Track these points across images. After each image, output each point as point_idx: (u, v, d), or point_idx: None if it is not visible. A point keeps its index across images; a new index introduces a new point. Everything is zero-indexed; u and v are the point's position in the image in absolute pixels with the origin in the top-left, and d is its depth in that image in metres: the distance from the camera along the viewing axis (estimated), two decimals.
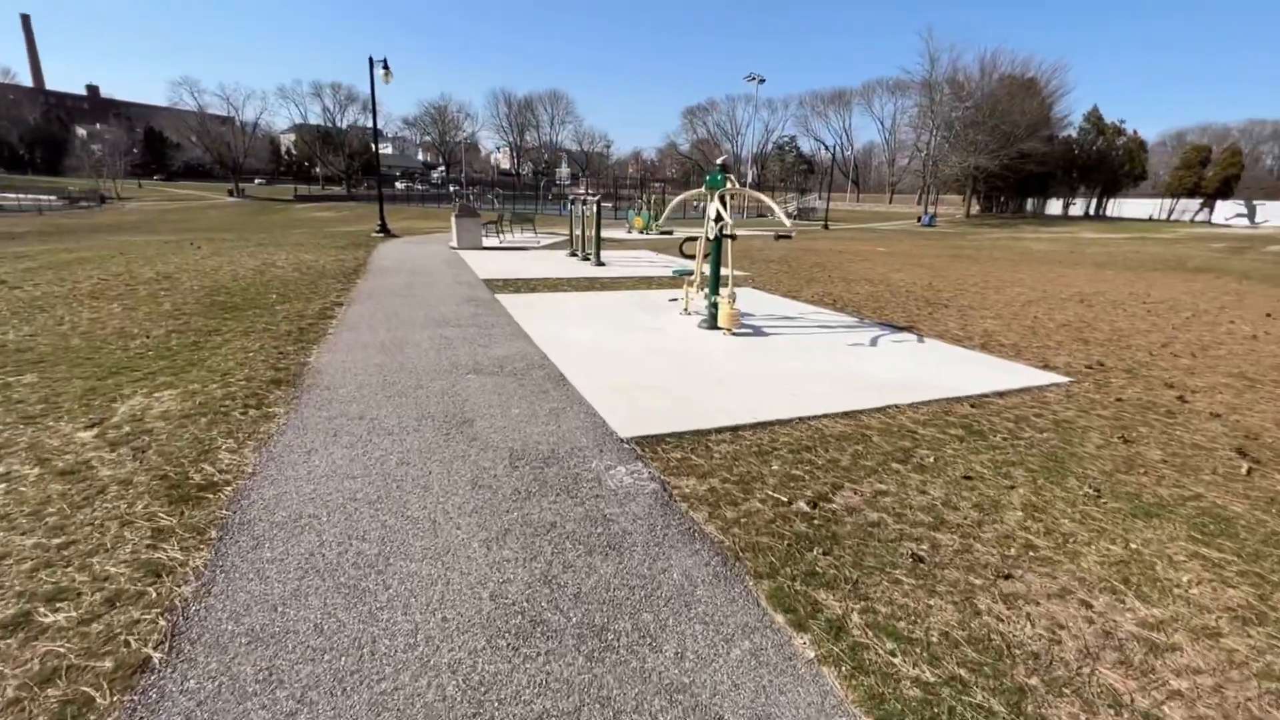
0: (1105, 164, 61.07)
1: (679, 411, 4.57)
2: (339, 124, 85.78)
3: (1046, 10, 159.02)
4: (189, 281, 9.68)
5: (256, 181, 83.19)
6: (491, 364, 5.64)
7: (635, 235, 23.79)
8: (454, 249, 15.99)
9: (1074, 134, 61.62)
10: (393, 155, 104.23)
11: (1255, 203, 58.95)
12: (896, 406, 4.85)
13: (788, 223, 6.87)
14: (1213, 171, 60.91)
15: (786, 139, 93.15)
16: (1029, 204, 65.55)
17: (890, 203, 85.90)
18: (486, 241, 17.33)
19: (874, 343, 7.00)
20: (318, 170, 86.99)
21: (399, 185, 77.29)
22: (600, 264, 13.39)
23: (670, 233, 9.77)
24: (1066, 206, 66.00)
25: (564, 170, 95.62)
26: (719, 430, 4.25)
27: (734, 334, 7.08)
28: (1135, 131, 62.33)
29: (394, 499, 3.17)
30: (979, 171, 53.33)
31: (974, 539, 3.00)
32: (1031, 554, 2.89)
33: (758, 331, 7.34)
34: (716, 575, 2.64)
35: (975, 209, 61.56)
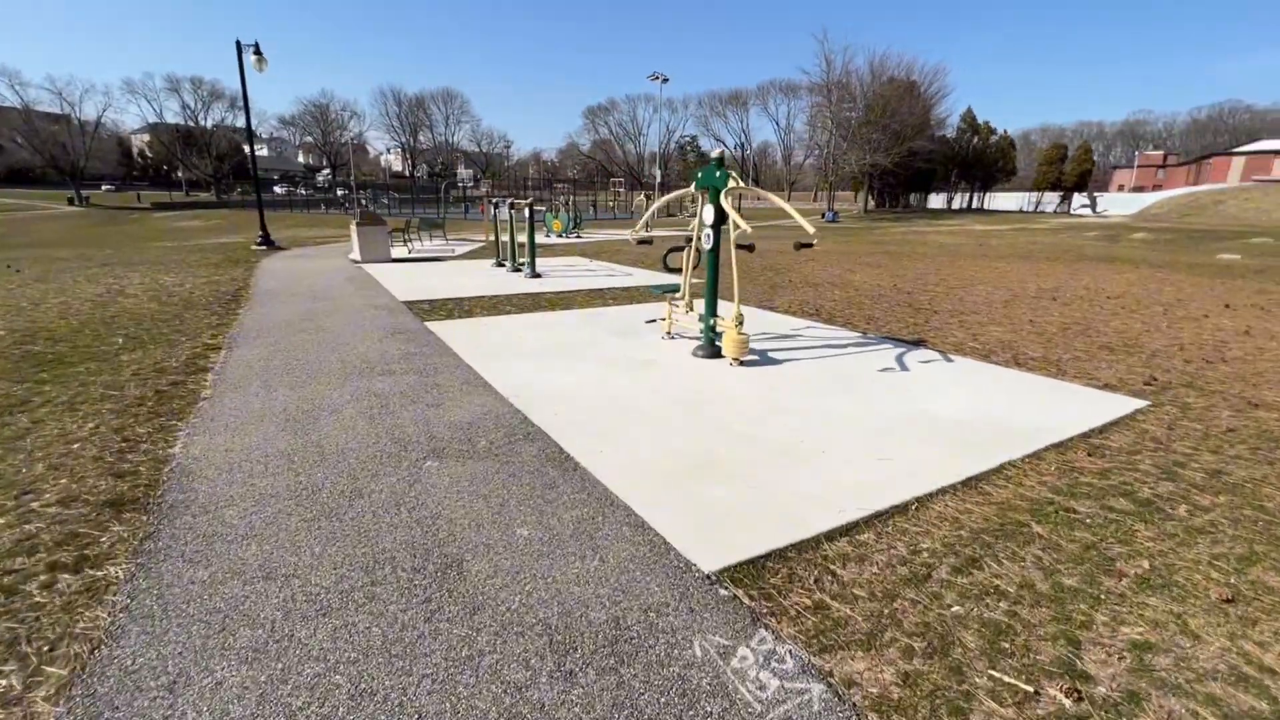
0: (981, 161, 65.86)
1: (757, 508, 3.19)
2: (203, 122, 77.16)
3: (920, 14, 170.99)
4: None
5: (104, 188, 72.96)
6: (455, 437, 4.00)
7: (555, 239, 22.14)
8: (357, 263, 13.71)
9: (951, 134, 65.94)
10: (270, 157, 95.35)
11: (1095, 194, 65.92)
12: (1013, 465, 3.74)
13: (810, 229, 5.68)
14: (1070, 167, 67.20)
15: (688, 138, 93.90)
16: (913, 199, 69.56)
17: (788, 200, 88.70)
18: (395, 252, 15.13)
19: (903, 365, 5.95)
20: (180, 174, 77.80)
21: (278, 190, 70.39)
22: (536, 275, 11.74)
23: (650, 242, 8.39)
24: (950, 201, 70.69)
25: (464, 172, 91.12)
26: (828, 537, 2.92)
27: (742, 363, 5.80)
28: (1005, 131, 67.72)
29: None
30: (875, 169, 55.69)
31: None
32: None
33: (764, 357, 6.10)
34: None
35: (871, 205, 64.38)
